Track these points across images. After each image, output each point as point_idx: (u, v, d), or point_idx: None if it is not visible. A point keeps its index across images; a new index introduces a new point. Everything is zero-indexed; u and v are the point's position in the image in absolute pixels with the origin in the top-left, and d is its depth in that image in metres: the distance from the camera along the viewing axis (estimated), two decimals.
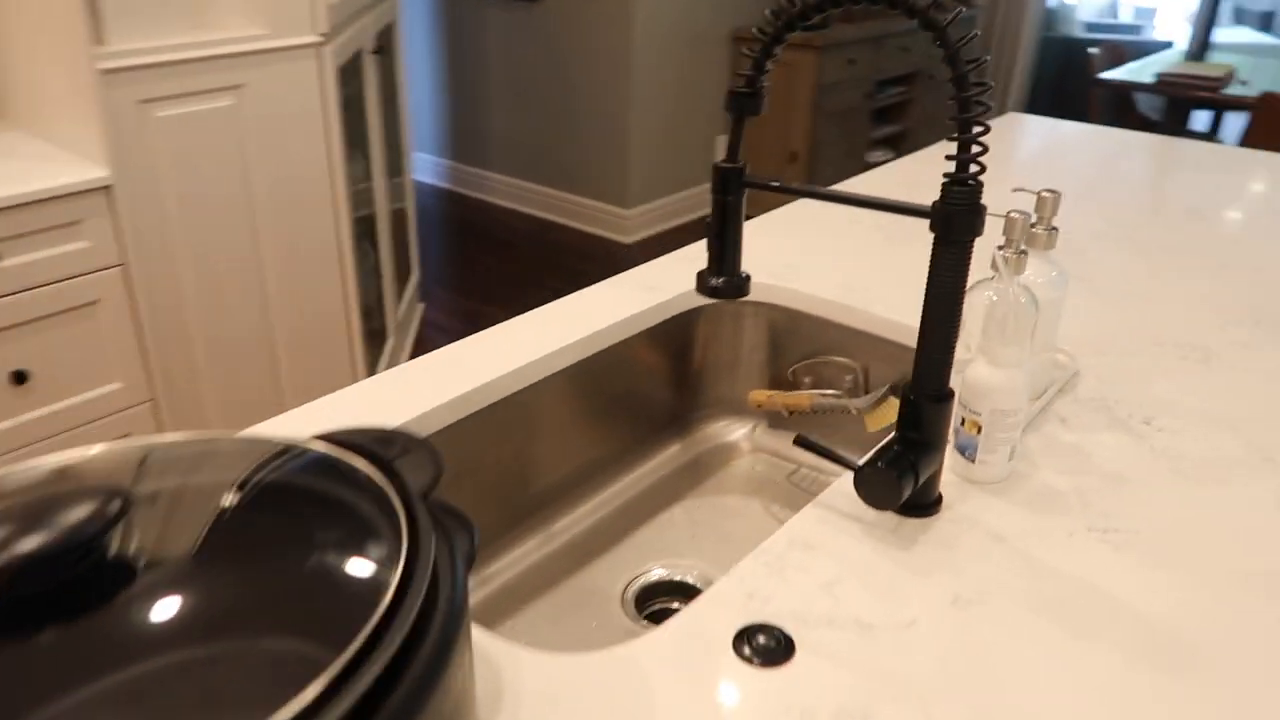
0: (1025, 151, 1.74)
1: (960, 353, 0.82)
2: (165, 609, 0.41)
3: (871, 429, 1.10)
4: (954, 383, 0.71)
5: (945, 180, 0.66)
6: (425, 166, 4.33)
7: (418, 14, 4.07)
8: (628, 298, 1.12)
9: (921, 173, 1.61)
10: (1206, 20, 4.56)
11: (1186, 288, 1.16)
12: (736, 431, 1.23)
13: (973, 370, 0.75)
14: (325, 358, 2.09)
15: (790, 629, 0.62)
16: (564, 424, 1.05)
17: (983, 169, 0.65)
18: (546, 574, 1.02)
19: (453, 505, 0.56)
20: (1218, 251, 1.27)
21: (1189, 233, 1.34)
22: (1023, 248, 0.79)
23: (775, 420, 1.22)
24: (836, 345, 1.14)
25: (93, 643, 0.38)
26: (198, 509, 0.47)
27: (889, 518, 0.73)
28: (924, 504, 0.74)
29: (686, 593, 1.01)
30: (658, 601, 1.01)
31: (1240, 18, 6.00)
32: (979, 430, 0.75)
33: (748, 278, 0.80)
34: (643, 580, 1.01)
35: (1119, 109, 3.87)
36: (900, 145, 4.42)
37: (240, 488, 0.48)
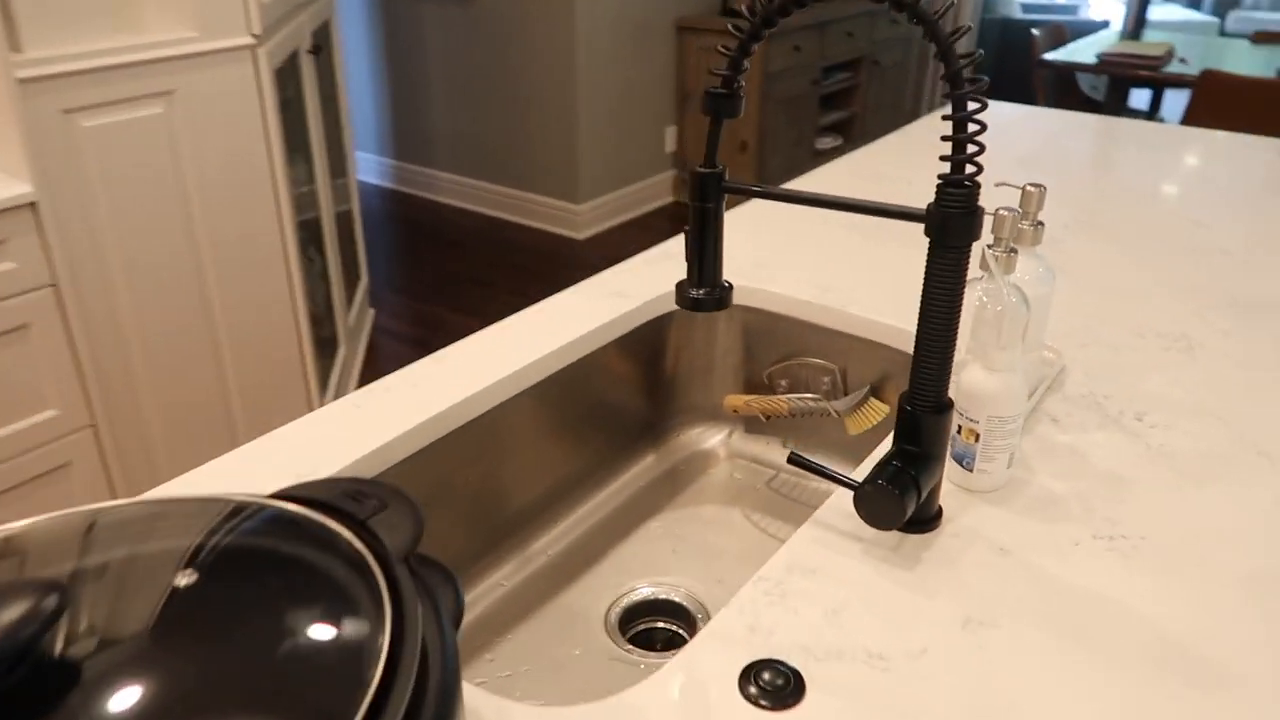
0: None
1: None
2: (121, 709, 0.36)
3: (853, 432, 1.07)
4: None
5: (939, 181, 0.62)
6: (368, 167, 4.22)
7: (354, 12, 3.95)
8: (595, 306, 1.08)
9: (878, 165, 1.59)
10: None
11: (1160, 274, 1.15)
12: (712, 438, 1.19)
13: (968, 376, 0.72)
14: (276, 371, 2.01)
15: (798, 664, 0.59)
16: (535, 442, 1.01)
17: (980, 169, 0.62)
18: (525, 600, 0.97)
19: (430, 556, 0.52)
20: (1185, 235, 1.27)
21: (1154, 217, 1.34)
22: (1013, 246, 0.76)
23: (752, 425, 1.19)
24: (813, 346, 1.11)
25: None
26: (151, 588, 0.42)
27: (889, 535, 0.70)
28: (924, 519, 0.71)
29: (672, 612, 0.97)
30: (642, 622, 0.97)
31: None
32: (977, 438, 0.73)
33: (730, 287, 0.76)
34: (626, 601, 0.97)
35: (1061, 89, 3.91)
36: (848, 131, 4.42)
37: (199, 562, 0.42)
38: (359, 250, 2.88)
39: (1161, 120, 3.74)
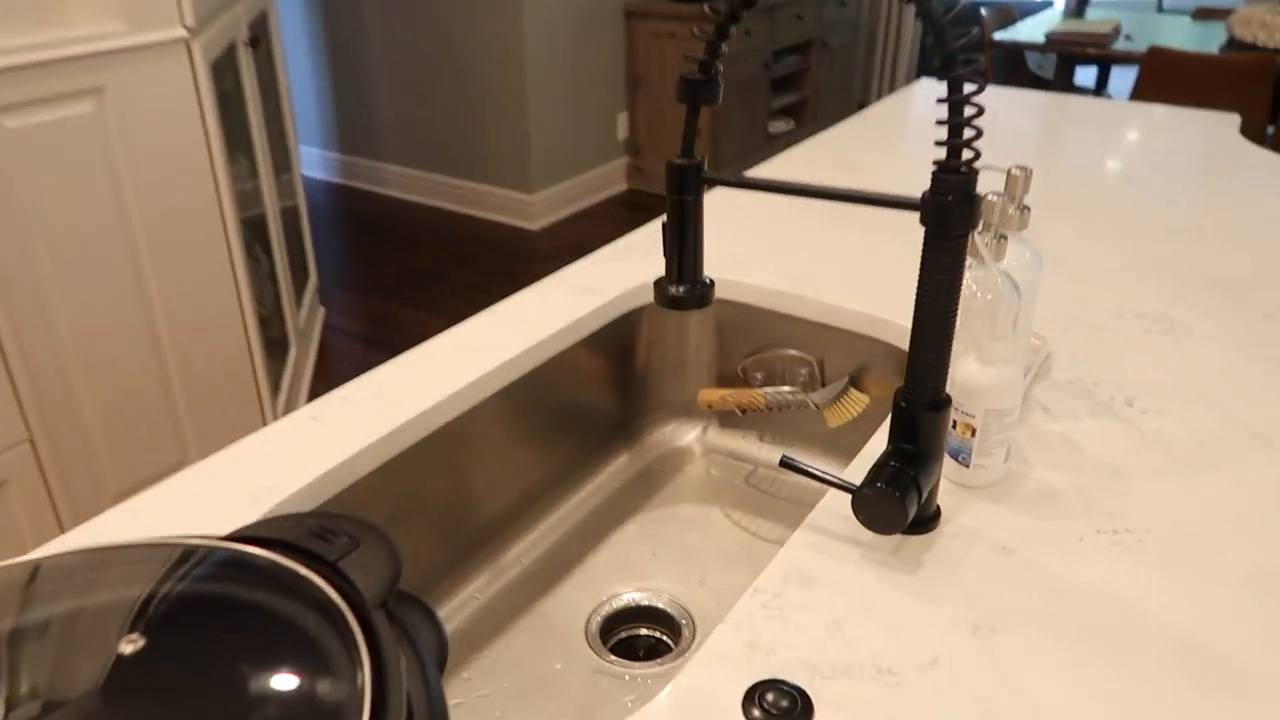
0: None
1: None
2: None
3: (833, 424, 1.04)
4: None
5: (935, 169, 0.59)
6: (313, 161, 4.11)
7: (292, 1, 3.83)
8: (562, 303, 1.03)
9: (841, 151, 1.56)
10: None
11: (1134, 253, 1.13)
12: (687, 435, 1.16)
13: (962, 369, 0.69)
14: (224, 376, 1.93)
15: (804, 683, 0.55)
16: (504, 447, 0.96)
17: (977, 154, 0.58)
18: (501, 612, 0.93)
19: (406, 591, 0.47)
20: (1155, 213, 1.26)
21: (1121, 195, 1.33)
22: (1002, 232, 0.74)
23: (727, 420, 1.15)
24: (788, 338, 1.07)
25: None
26: (96, 650, 0.37)
27: (887, 538, 0.67)
28: (923, 519, 0.68)
29: (655, 618, 0.93)
30: (624, 629, 0.93)
31: None
32: (973, 433, 0.70)
33: (711, 284, 0.72)
34: (606, 609, 0.93)
35: (1009, 68, 3.93)
36: (800, 114, 4.41)
37: (149, 621, 0.37)
38: (306, 247, 2.79)
39: (1109, 97, 3.78)
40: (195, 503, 0.72)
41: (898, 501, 0.61)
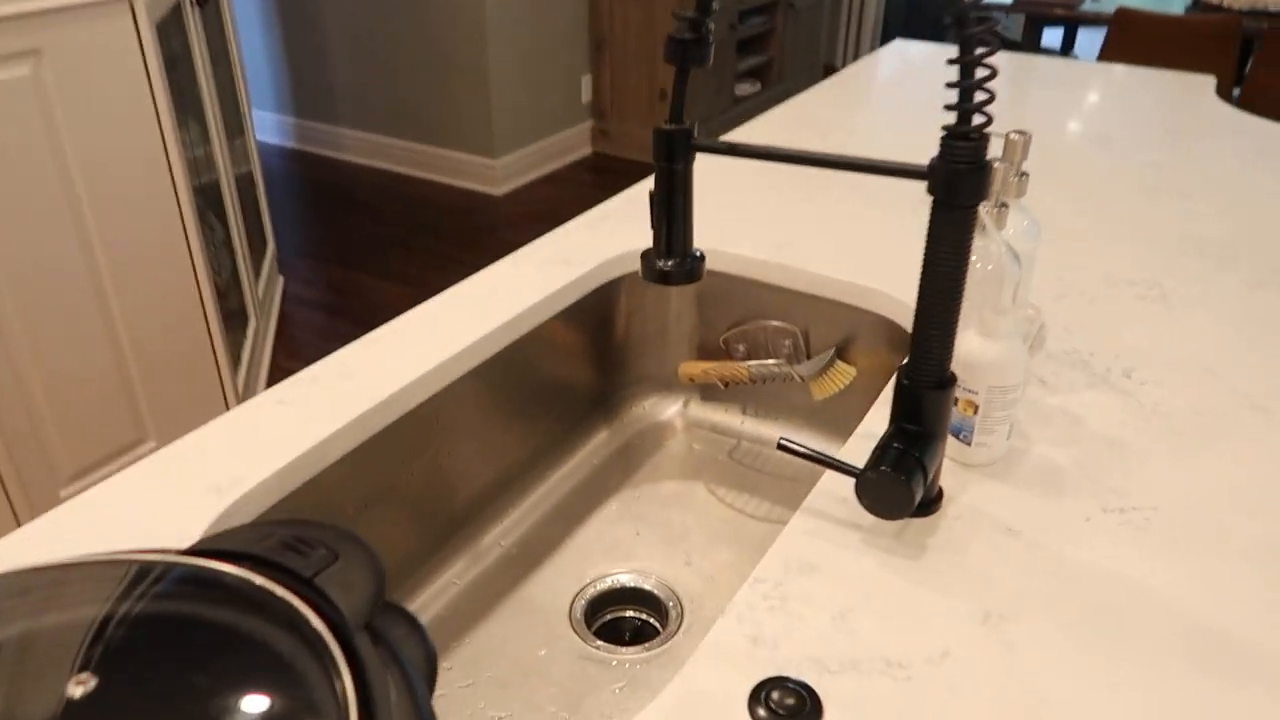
0: (919, 83, 1.67)
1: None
2: None
3: (819, 397, 1.01)
4: None
5: (944, 134, 0.55)
6: (267, 125, 3.98)
7: None
8: (537, 275, 0.99)
9: (817, 114, 1.52)
10: None
11: (1120, 219, 1.11)
12: (668, 409, 1.12)
13: (964, 344, 0.67)
14: (181, 351, 1.86)
15: (811, 679, 0.53)
16: (479, 427, 0.92)
17: (989, 120, 0.55)
18: (481, 597, 0.89)
19: (390, 601, 0.43)
20: (1137, 178, 1.24)
21: (1103, 160, 1.30)
22: (1003, 200, 0.71)
23: (708, 393, 1.12)
24: (771, 308, 1.04)
25: None
26: (45, 691, 0.33)
27: (889, 522, 0.64)
28: (925, 501, 0.65)
29: (640, 599, 0.91)
30: (609, 611, 0.91)
31: None
32: (975, 410, 0.67)
33: (701, 257, 0.69)
34: (590, 591, 0.90)
35: None
36: (766, 76, 4.35)
37: (104, 653, 0.33)
38: (263, 215, 2.70)
39: (1076, 58, 3.77)
40: (155, 495, 0.67)
41: (904, 485, 0.58)
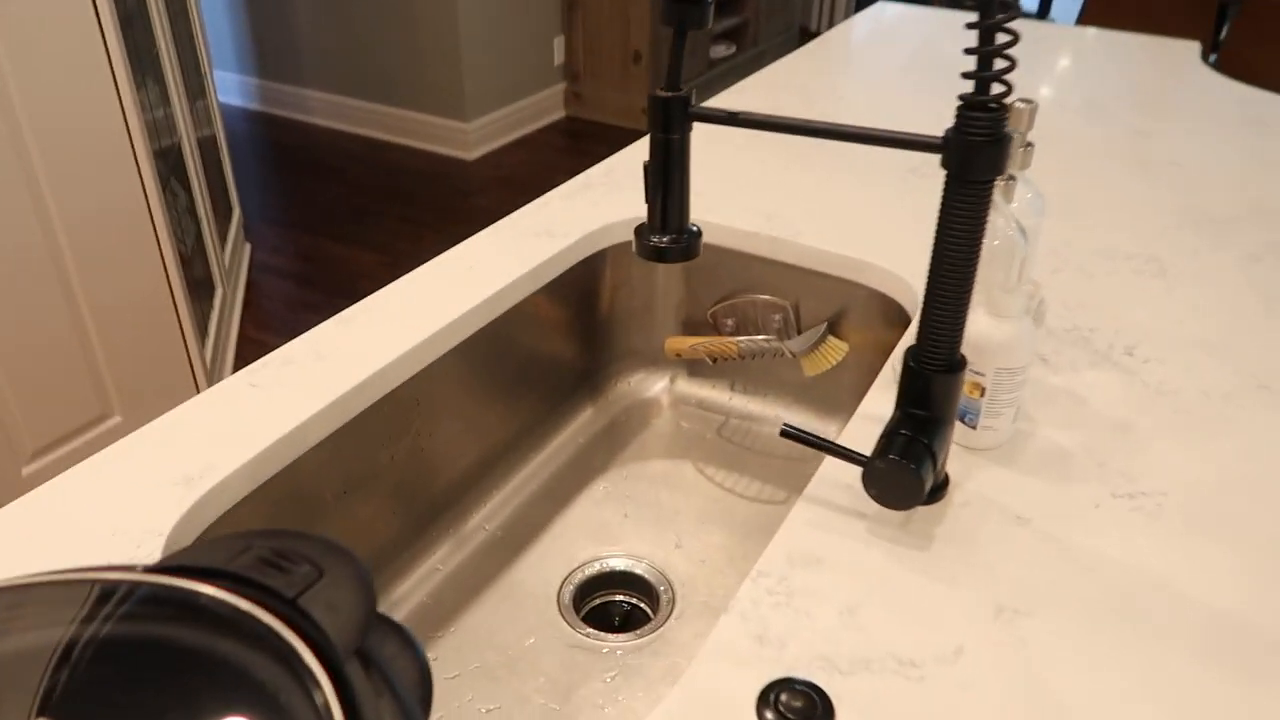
0: (904, 47, 1.63)
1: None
2: None
3: (810, 373, 0.99)
4: None
5: (960, 104, 0.52)
6: (229, 87, 3.86)
7: None
8: (520, 248, 0.95)
9: (802, 80, 1.48)
10: None
11: (1112, 190, 1.09)
12: (654, 385, 1.09)
13: (973, 324, 0.64)
14: (145, 321, 1.79)
15: (822, 680, 0.51)
16: (461, 407, 0.89)
17: (1009, 89, 0.52)
18: (466, 584, 0.87)
19: (380, 615, 0.40)
20: (1127, 147, 1.21)
21: (1092, 128, 1.28)
22: (1011, 173, 0.68)
23: (695, 369, 1.09)
24: (760, 282, 1.01)
25: None
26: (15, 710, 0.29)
27: (895, 511, 0.62)
28: (932, 487, 0.63)
29: (630, 583, 0.88)
30: (598, 596, 0.88)
31: None
32: (982, 393, 0.65)
33: (698, 233, 0.65)
34: (579, 576, 0.88)
35: None
36: (741, 38, 4.28)
37: (63, 690, 0.30)
38: (228, 180, 2.62)
39: (1054, 22, 3.74)
40: (122, 486, 0.64)
41: (914, 474, 0.56)
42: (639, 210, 1.02)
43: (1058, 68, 1.54)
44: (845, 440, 0.68)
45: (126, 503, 0.62)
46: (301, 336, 0.81)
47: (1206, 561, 0.58)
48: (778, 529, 0.92)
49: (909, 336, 0.80)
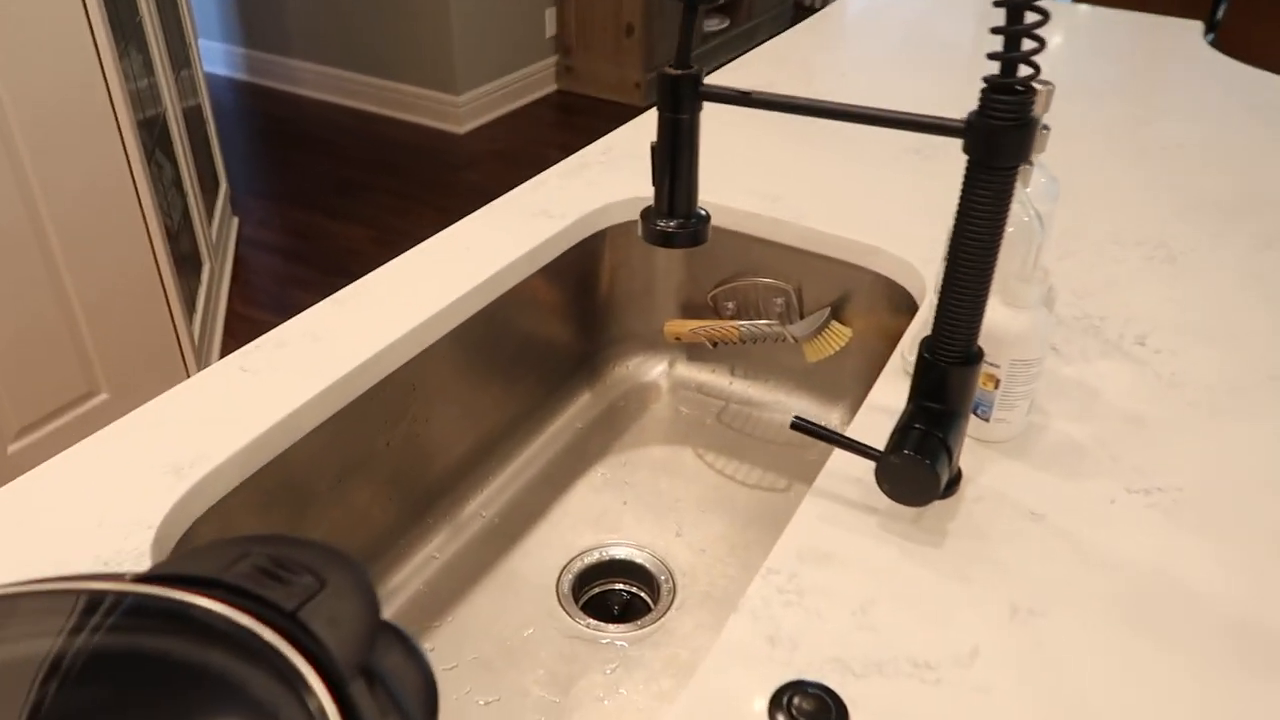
0: (904, 23, 1.60)
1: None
2: None
3: (812, 359, 0.97)
4: None
5: (985, 86, 0.50)
6: (215, 56, 3.79)
7: None
8: (517, 229, 0.93)
9: (804, 56, 1.45)
10: None
11: (1118, 174, 1.07)
12: (653, 369, 1.08)
13: (987, 314, 0.62)
14: (132, 297, 1.76)
15: (834, 682, 0.49)
16: (457, 391, 0.87)
17: (1037, 70, 0.50)
18: (463, 572, 0.85)
19: (385, 621, 0.38)
20: (1131, 130, 1.19)
21: (1094, 110, 1.26)
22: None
23: (694, 352, 1.07)
24: (762, 265, 0.99)
25: None
26: None
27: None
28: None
29: (629, 572, 0.87)
30: (597, 584, 0.87)
31: None
32: (996, 385, 0.63)
33: (706, 217, 0.63)
34: (579, 564, 0.86)
35: None
36: (735, 11, 4.22)
37: (47, 711, 0.28)
38: (214, 152, 2.57)
39: None
40: (110, 476, 0.61)
41: (929, 470, 0.54)
42: (638, 190, 1.00)
43: (1053, 47, 1.51)
44: (854, 432, 0.66)
45: (114, 493, 0.60)
46: (295, 318, 0.78)
47: (1225, 559, 0.57)
48: (779, 517, 0.91)
49: (916, 324, 0.79)
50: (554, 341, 0.99)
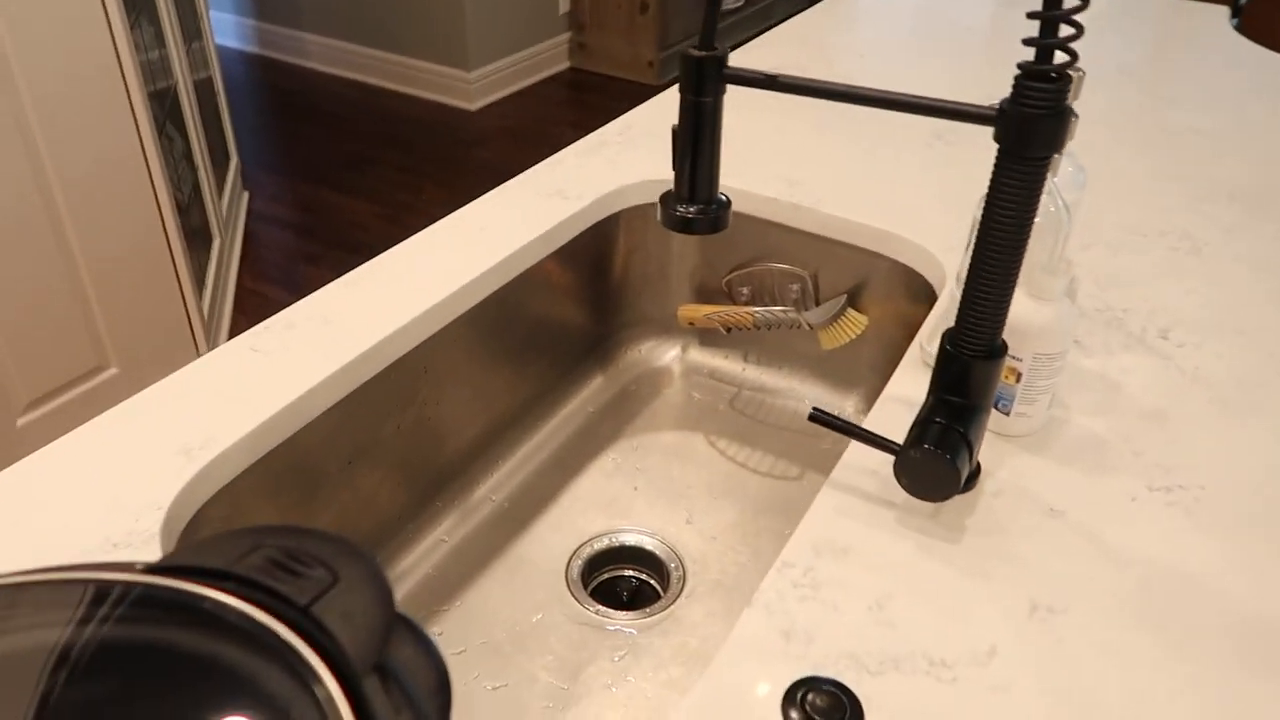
0: (920, 5, 1.58)
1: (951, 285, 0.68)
2: None
3: (827, 346, 0.96)
4: None
5: (1019, 74, 0.49)
6: (226, 28, 3.76)
7: None
8: (532, 209, 0.91)
9: (822, 36, 1.43)
10: None
11: (1142, 161, 1.05)
12: (666, 354, 1.07)
13: (1012, 306, 0.61)
14: (141, 271, 1.75)
15: (850, 679, 0.49)
16: (469, 374, 0.86)
17: (1074, 57, 0.48)
18: (472, 556, 0.85)
19: (401, 614, 0.38)
20: (1156, 115, 1.17)
21: (1118, 98, 1.24)
22: None
23: (708, 337, 1.06)
24: (779, 250, 0.98)
25: None
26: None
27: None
28: None
29: (639, 559, 0.86)
30: (606, 570, 0.86)
31: None
32: (1018, 379, 0.62)
33: (727, 203, 0.62)
34: (588, 550, 0.86)
35: None
36: None
37: (54, 706, 0.28)
38: (225, 126, 2.55)
39: None
40: (120, 456, 0.61)
41: (949, 465, 0.54)
42: (655, 171, 0.99)
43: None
44: (872, 423, 0.65)
45: (124, 474, 0.60)
46: (306, 299, 0.78)
47: (1247, 558, 0.56)
48: (791, 506, 0.90)
49: (936, 314, 0.77)
50: (566, 324, 0.98)
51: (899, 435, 0.57)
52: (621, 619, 0.80)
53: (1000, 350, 0.56)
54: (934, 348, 0.70)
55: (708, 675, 0.49)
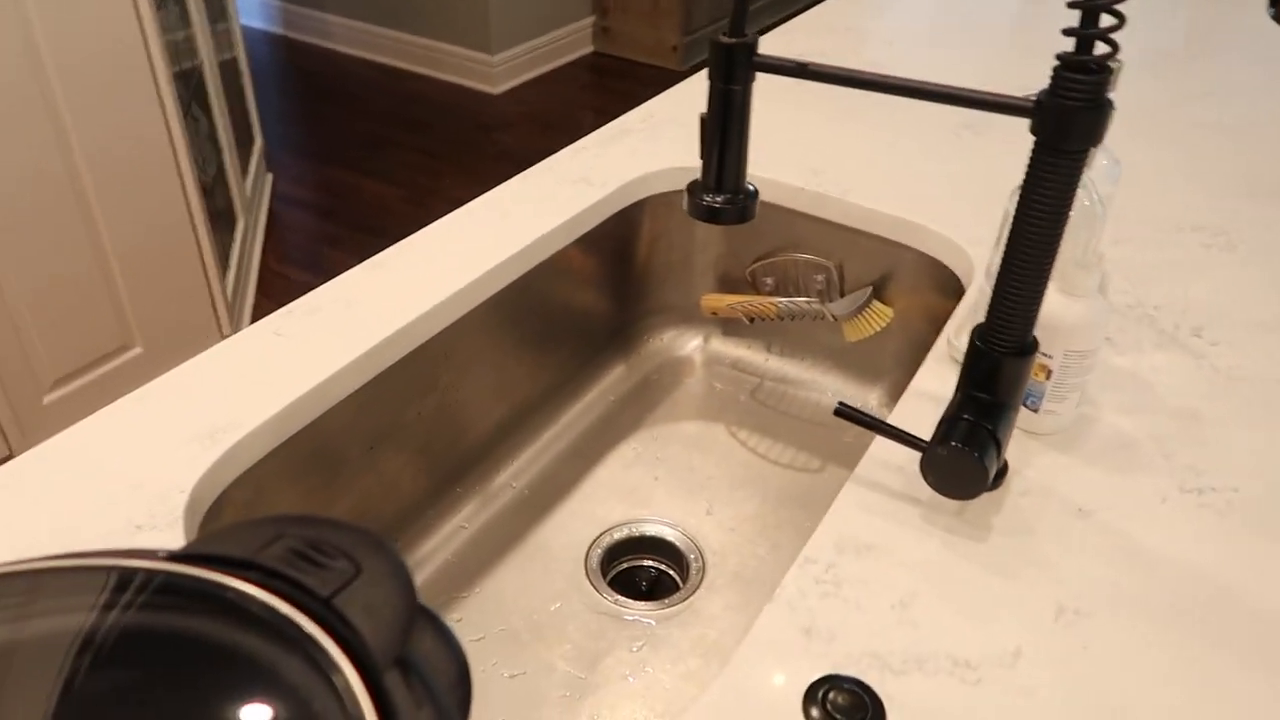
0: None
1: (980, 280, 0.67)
2: None
3: (851, 339, 0.95)
4: None
5: (1058, 64, 0.48)
6: (250, 8, 3.77)
7: None
8: (556, 196, 0.91)
9: (850, 21, 1.41)
10: None
11: (1176, 154, 1.03)
12: (688, 343, 1.06)
13: (1044, 302, 0.60)
14: (166, 251, 1.76)
15: (872, 678, 0.48)
16: (491, 361, 0.86)
17: (1115, 48, 0.47)
18: (492, 543, 0.85)
19: (422, 606, 0.37)
20: (1189, 107, 1.15)
21: (1151, 88, 1.21)
22: None
23: (730, 328, 1.06)
24: (804, 240, 0.97)
25: None
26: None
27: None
28: None
29: (659, 549, 0.86)
30: (625, 560, 0.86)
31: None
32: (1048, 375, 0.61)
33: (755, 193, 0.61)
34: (608, 539, 0.86)
35: None
36: None
37: (75, 695, 0.28)
38: (250, 107, 2.56)
39: None
40: (144, 439, 0.61)
41: (977, 463, 0.53)
42: (679, 159, 0.98)
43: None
44: (897, 418, 0.64)
45: (148, 457, 0.60)
46: (329, 283, 0.78)
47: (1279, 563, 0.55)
48: (812, 499, 0.90)
49: (963, 308, 0.76)
50: (589, 312, 0.97)
51: (925, 431, 0.57)
52: (640, 609, 0.79)
53: (1031, 347, 0.55)
54: (962, 342, 0.69)
55: (728, 671, 0.48)
